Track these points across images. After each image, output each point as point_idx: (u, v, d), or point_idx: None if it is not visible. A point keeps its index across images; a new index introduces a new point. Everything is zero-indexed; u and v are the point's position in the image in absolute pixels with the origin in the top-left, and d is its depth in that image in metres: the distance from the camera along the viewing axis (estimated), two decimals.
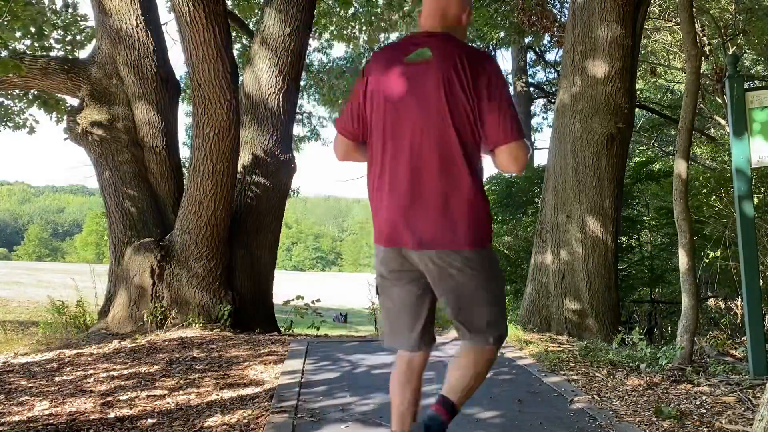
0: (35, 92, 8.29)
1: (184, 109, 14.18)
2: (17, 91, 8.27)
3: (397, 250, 1.98)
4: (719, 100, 10.73)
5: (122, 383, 3.85)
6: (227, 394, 3.56)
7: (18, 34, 6.61)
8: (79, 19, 8.59)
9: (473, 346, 2.09)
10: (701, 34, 9.89)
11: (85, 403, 3.40)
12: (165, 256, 6.15)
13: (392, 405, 2.08)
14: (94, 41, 7.34)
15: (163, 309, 6.03)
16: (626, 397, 3.44)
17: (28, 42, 7.63)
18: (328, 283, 36.77)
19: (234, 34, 10.46)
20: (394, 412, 2.08)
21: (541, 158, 16.11)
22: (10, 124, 9.09)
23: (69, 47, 8.50)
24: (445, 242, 1.90)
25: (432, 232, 1.91)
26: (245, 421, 3.04)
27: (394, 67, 1.95)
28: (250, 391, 3.62)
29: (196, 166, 5.76)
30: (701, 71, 5.33)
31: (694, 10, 4.76)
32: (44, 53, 7.53)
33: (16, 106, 8.93)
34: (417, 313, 2.07)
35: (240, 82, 6.95)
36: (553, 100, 14.23)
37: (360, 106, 2.02)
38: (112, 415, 3.19)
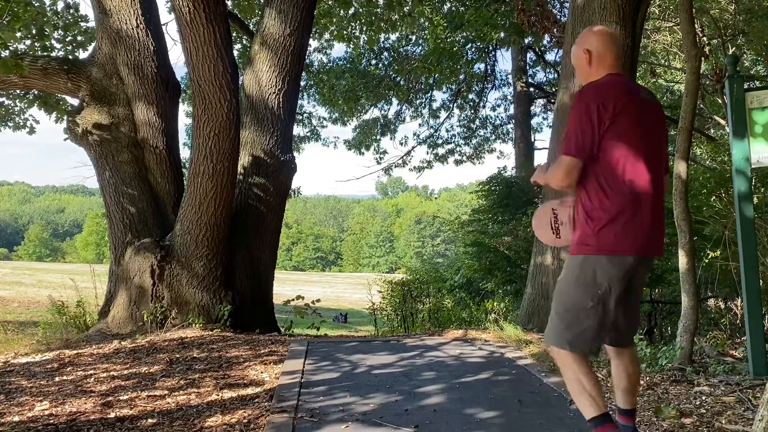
0: (35, 92, 8.29)
1: (184, 109, 14.18)
2: (17, 91, 8.26)
3: (642, 258, 2.29)
4: (719, 100, 10.71)
5: (122, 383, 3.85)
6: (227, 394, 3.56)
7: (18, 35, 6.60)
8: (79, 19, 8.59)
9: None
10: (701, 35, 9.88)
11: (85, 403, 3.40)
12: (165, 256, 6.15)
13: (594, 390, 2.30)
14: (94, 42, 7.34)
15: (163, 309, 6.04)
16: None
17: (28, 42, 7.63)
18: (328, 283, 36.77)
19: (234, 34, 10.46)
20: (599, 395, 2.31)
21: (541, 158, 16.13)
22: (10, 124, 9.08)
23: (69, 47, 8.49)
24: (660, 250, 2.36)
25: (660, 242, 2.35)
26: (245, 421, 3.04)
27: (635, 101, 2.31)
28: (250, 391, 3.62)
29: (196, 167, 5.76)
30: (701, 71, 5.32)
31: (694, 10, 4.76)
32: (44, 53, 7.52)
33: (16, 106, 8.92)
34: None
35: (240, 83, 6.94)
36: (553, 101, 14.23)
37: (603, 129, 2.25)
38: (112, 415, 3.19)
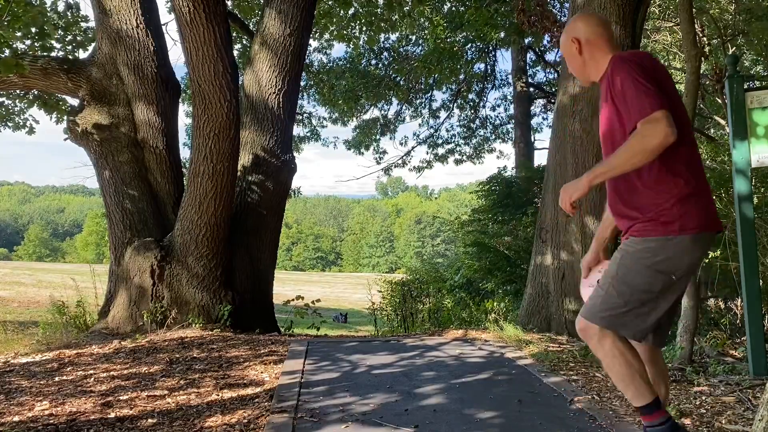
0: (35, 92, 8.29)
1: (184, 109, 14.19)
2: (17, 91, 8.27)
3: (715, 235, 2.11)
4: (719, 100, 10.71)
5: (122, 383, 3.85)
6: (227, 394, 3.57)
7: (18, 34, 6.60)
8: (79, 19, 8.59)
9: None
10: (701, 34, 9.88)
11: (85, 403, 3.40)
12: (165, 256, 6.15)
13: (642, 376, 2.13)
14: (94, 42, 7.34)
15: (163, 309, 6.04)
16: (626, 398, 3.43)
17: (28, 42, 7.63)
18: (328, 283, 36.78)
19: (234, 34, 10.46)
20: (647, 381, 2.15)
21: (541, 158, 16.13)
22: (10, 124, 9.09)
23: (69, 47, 8.50)
24: None
25: None
26: (245, 421, 3.04)
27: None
28: (250, 391, 3.62)
29: (196, 167, 5.76)
30: (701, 71, 5.32)
31: (693, 10, 4.76)
32: (44, 53, 7.52)
33: (16, 106, 8.93)
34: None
35: (240, 83, 6.94)
36: (553, 101, 14.23)
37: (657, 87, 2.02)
38: (112, 415, 3.19)
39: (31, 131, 9.28)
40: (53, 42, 8.09)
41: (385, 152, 18.11)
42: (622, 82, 2.02)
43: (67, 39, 8.48)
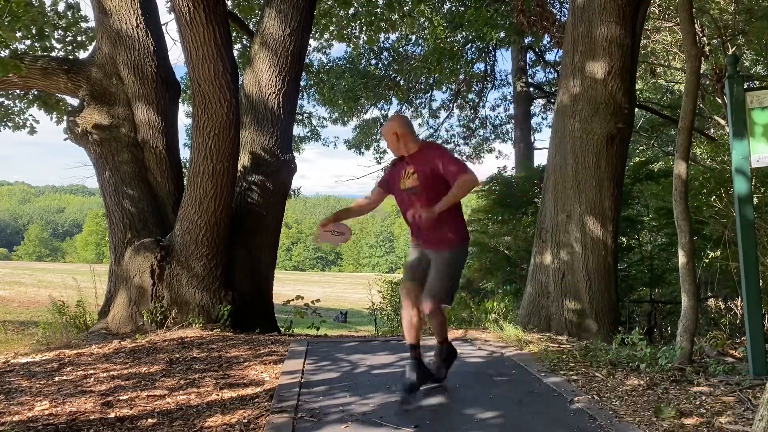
0: (35, 92, 8.29)
1: (184, 109, 14.17)
2: (17, 91, 8.26)
3: None
4: (719, 100, 10.71)
5: (122, 383, 3.85)
6: (227, 394, 3.57)
7: (18, 35, 6.59)
8: (79, 19, 8.58)
9: None
10: (701, 34, 9.88)
11: (85, 403, 3.40)
12: (165, 256, 6.15)
13: (414, 327, 3.70)
14: (94, 42, 7.34)
15: (163, 309, 6.03)
16: (626, 397, 3.44)
17: (28, 42, 7.63)
18: (328, 283, 36.77)
19: (234, 34, 10.46)
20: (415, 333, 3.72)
21: (541, 158, 16.10)
22: (10, 124, 9.08)
23: (69, 47, 8.49)
24: None
25: None
26: (245, 421, 3.05)
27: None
28: (250, 391, 3.62)
29: (196, 166, 5.76)
30: (701, 71, 5.32)
31: (693, 10, 4.76)
32: (44, 53, 7.52)
33: (16, 106, 8.92)
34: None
35: (240, 83, 6.94)
36: (552, 101, 14.23)
37: None
38: (112, 415, 3.19)
39: (32, 131, 9.26)
40: (53, 42, 8.09)
41: (385, 152, 18.10)
42: (442, 154, 3.56)
43: (67, 39, 8.46)
